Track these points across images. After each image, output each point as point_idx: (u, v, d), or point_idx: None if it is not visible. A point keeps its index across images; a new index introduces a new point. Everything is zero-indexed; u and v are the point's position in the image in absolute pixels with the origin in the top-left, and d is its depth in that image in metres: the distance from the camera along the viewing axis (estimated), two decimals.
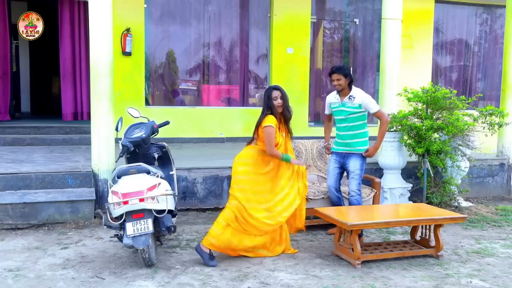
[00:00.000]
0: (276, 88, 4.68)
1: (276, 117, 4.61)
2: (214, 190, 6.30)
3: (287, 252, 4.77)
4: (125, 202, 4.00)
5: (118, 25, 8.01)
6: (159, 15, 9.09)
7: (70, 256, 4.55)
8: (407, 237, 5.27)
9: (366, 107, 5.06)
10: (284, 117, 4.69)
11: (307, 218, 5.47)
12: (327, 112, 5.45)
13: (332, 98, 5.28)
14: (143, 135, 4.56)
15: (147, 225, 4.05)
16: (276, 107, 4.60)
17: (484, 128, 6.43)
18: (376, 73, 10.15)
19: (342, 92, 5.13)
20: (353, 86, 5.14)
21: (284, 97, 4.63)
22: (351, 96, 5.07)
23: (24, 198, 5.45)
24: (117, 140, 5.02)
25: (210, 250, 4.43)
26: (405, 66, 8.48)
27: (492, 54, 11.36)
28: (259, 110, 4.74)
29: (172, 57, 9.35)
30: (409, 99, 6.50)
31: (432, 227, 4.80)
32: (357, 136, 5.13)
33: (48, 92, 12.71)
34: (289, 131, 4.80)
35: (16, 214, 5.33)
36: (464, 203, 6.75)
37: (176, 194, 4.59)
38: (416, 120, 6.42)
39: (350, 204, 5.21)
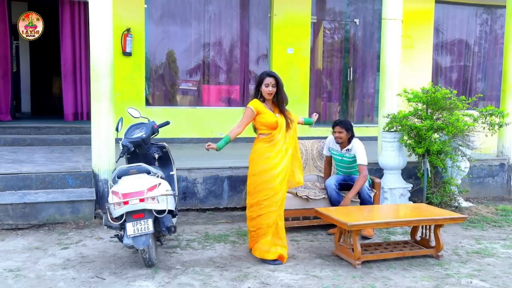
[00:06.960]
0: (270, 74, 4.48)
1: (261, 101, 4.50)
2: (215, 190, 6.30)
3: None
4: (126, 202, 4.00)
5: (118, 25, 8.01)
6: (159, 15, 9.08)
7: (71, 256, 4.55)
8: (407, 237, 5.27)
9: (356, 155, 5.39)
10: (278, 102, 4.53)
11: (307, 218, 5.49)
12: (326, 153, 5.79)
13: (333, 143, 5.65)
14: (143, 135, 4.56)
15: (148, 225, 4.06)
16: (265, 94, 4.48)
17: (484, 128, 6.42)
18: (376, 73, 10.14)
19: (341, 144, 5.54)
20: (353, 139, 5.49)
21: (278, 85, 4.47)
22: (349, 149, 5.49)
23: (25, 198, 5.45)
24: (117, 140, 5.02)
25: None
26: (405, 66, 8.47)
27: (492, 54, 11.34)
28: None
29: (172, 57, 9.34)
30: (409, 100, 6.50)
31: (432, 227, 4.80)
32: (356, 172, 5.51)
33: (48, 92, 12.69)
34: (287, 123, 4.52)
35: (17, 214, 5.33)
36: (464, 203, 6.75)
37: (177, 194, 4.60)
38: (416, 120, 6.42)
39: (362, 197, 5.37)
